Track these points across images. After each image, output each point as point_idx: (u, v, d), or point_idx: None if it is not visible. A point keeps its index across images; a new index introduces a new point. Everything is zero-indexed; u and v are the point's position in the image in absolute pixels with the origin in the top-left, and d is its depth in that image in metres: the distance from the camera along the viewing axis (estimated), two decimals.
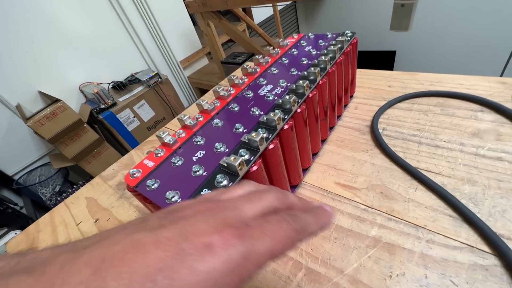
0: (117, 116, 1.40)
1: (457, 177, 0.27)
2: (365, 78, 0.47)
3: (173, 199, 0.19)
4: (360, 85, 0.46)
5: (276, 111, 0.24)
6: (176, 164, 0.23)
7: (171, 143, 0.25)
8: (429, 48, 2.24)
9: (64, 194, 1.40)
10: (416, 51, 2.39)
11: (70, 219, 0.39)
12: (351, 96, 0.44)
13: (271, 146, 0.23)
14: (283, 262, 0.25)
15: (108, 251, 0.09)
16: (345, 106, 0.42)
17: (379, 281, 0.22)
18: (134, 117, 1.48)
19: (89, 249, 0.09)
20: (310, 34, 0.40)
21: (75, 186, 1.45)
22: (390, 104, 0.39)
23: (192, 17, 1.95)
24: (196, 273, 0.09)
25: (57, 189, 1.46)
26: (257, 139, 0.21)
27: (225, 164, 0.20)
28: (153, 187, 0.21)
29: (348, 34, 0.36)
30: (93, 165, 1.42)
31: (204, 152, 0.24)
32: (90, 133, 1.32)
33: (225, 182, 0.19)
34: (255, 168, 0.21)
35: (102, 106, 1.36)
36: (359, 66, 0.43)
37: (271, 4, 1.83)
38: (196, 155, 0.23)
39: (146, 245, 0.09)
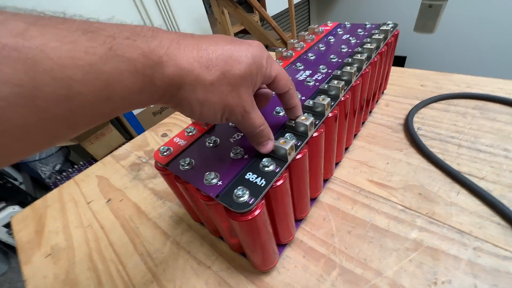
0: None
1: (503, 184, 0.26)
2: (396, 76, 0.45)
3: (213, 181, 0.18)
4: (391, 82, 0.44)
5: (322, 96, 0.22)
6: (212, 145, 0.21)
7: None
8: (445, 53, 2.19)
9: (64, 173, 1.38)
10: (426, 57, 2.35)
11: (80, 197, 0.37)
12: (383, 92, 0.42)
13: (316, 134, 0.21)
14: (315, 258, 0.23)
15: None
16: (376, 102, 0.40)
17: (423, 287, 0.20)
18: None
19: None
20: (346, 22, 0.38)
21: (75, 166, 1.43)
22: (425, 103, 0.37)
23: (205, 5, 1.91)
24: (251, 48, 0.16)
25: (57, 167, 1.44)
26: (307, 123, 0.19)
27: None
28: (187, 167, 0.20)
29: (390, 25, 0.33)
30: (95, 146, 1.40)
31: (241, 134, 0.22)
32: None
33: (272, 167, 0.18)
34: (300, 156, 0.19)
35: None
36: None
37: None
38: (233, 136, 0.22)
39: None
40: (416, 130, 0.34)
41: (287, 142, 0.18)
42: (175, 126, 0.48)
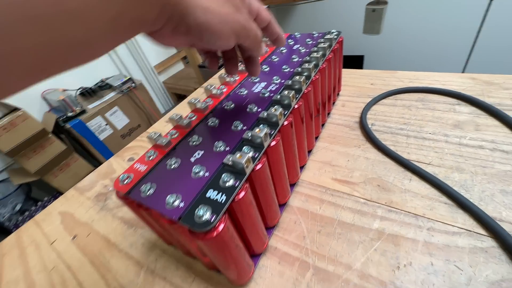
0: (86, 124, 1.30)
1: (446, 166, 0.29)
2: (348, 77, 0.49)
3: (174, 204, 0.18)
4: (345, 83, 0.47)
5: (276, 106, 0.23)
6: (173, 167, 0.21)
7: (164, 144, 0.23)
8: (395, 51, 2.39)
9: (26, 213, 1.26)
10: (383, 55, 2.54)
11: (41, 238, 0.35)
12: (338, 94, 0.44)
13: (273, 143, 0.22)
14: (289, 263, 0.24)
15: None
16: (333, 103, 0.42)
17: (388, 273, 0.22)
18: (106, 124, 1.39)
19: None
20: (296, 33, 0.41)
21: (39, 203, 1.32)
22: (376, 100, 0.40)
23: None
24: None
25: (17, 207, 1.32)
26: (261, 135, 0.20)
27: (229, 163, 0.19)
28: (148, 192, 0.19)
29: (334, 33, 0.36)
30: (60, 178, 1.30)
31: (202, 151, 0.22)
32: (56, 144, 1.21)
33: (231, 182, 0.18)
34: (259, 166, 0.20)
35: (70, 114, 1.26)
36: None
37: None
38: (194, 155, 0.22)
39: None
40: (370, 126, 0.36)
41: (243, 156, 0.18)
42: (141, 149, 0.46)
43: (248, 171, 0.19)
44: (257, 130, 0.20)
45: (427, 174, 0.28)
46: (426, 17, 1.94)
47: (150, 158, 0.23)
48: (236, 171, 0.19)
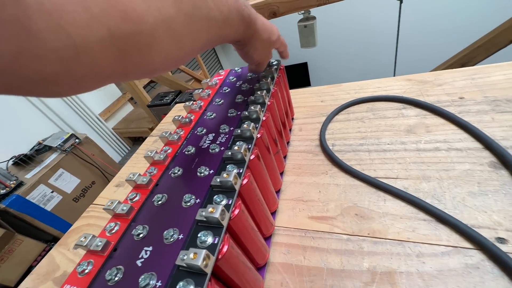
0: (27, 197, 1.12)
1: (413, 177, 0.28)
2: (298, 97, 0.49)
3: None
4: (297, 105, 0.46)
5: (228, 167, 0.20)
6: (115, 280, 0.16)
7: (99, 249, 0.18)
8: (334, 54, 2.60)
9: None
10: (323, 58, 2.75)
11: None
12: (293, 119, 0.44)
13: (236, 212, 0.19)
14: None
15: None
16: (290, 130, 0.41)
17: None
18: (52, 192, 1.22)
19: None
20: (236, 68, 0.39)
21: None
22: (329, 119, 0.40)
23: None
24: (276, 30, 0.31)
25: None
26: (217, 215, 0.17)
27: (184, 260, 0.15)
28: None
29: (274, 63, 0.36)
30: (4, 269, 1.08)
31: (150, 248, 0.18)
32: None
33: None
34: (225, 248, 0.17)
35: (2, 191, 1.08)
36: None
37: None
38: (140, 257, 0.17)
39: None
40: (331, 147, 0.35)
41: (199, 254, 0.15)
42: (90, 228, 0.39)
43: (208, 270, 0.15)
44: (210, 209, 0.17)
45: (398, 191, 0.27)
46: (352, 20, 2.17)
47: (84, 274, 0.18)
48: (194, 270, 0.15)
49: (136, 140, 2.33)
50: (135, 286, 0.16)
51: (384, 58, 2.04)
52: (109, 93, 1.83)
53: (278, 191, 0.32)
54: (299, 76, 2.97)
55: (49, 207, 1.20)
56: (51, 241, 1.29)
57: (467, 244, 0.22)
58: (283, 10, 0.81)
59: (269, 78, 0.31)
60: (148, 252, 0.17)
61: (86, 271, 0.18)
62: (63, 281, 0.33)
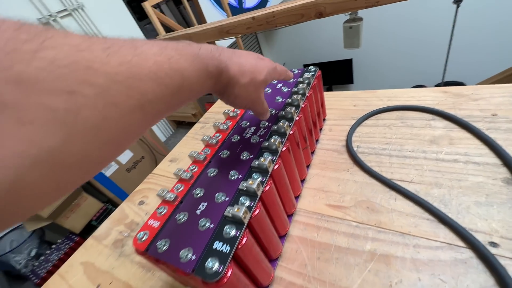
0: None
1: (426, 183, 0.32)
2: (333, 100, 0.53)
3: (187, 257, 0.21)
4: (330, 107, 0.51)
5: (265, 154, 0.27)
6: (182, 221, 0.24)
7: (172, 200, 0.27)
8: (380, 54, 2.47)
9: (42, 257, 1.29)
10: (370, 56, 2.62)
11: None
12: (324, 119, 0.48)
13: (267, 188, 0.25)
14: None
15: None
16: (321, 129, 0.46)
17: None
18: None
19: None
20: None
21: (53, 246, 1.34)
22: (358, 123, 0.44)
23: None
24: (266, 63, 0.27)
25: (33, 253, 1.34)
26: (254, 186, 0.23)
27: (230, 215, 0.22)
28: (164, 248, 0.23)
29: (312, 70, 0.41)
30: (72, 219, 1.33)
31: (206, 203, 0.25)
32: None
33: (233, 232, 0.21)
34: (257, 212, 0.23)
35: None
36: (324, 77, 0.48)
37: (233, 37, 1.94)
38: (199, 208, 0.25)
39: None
40: (355, 148, 0.40)
41: (241, 208, 0.22)
42: (150, 192, 0.50)
43: (246, 220, 0.22)
44: (250, 181, 0.24)
45: (409, 193, 0.31)
46: (403, 21, 2.03)
47: (161, 214, 0.26)
48: (236, 221, 0.22)
49: (179, 124, 2.54)
50: (195, 225, 0.23)
51: (433, 63, 1.88)
52: None
53: (303, 180, 0.38)
54: (342, 72, 2.88)
55: (108, 174, 1.42)
56: (107, 202, 1.53)
57: (460, 243, 0.25)
58: (330, 11, 0.83)
59: (306, 84, 0.37)
60: (204, 206, 0.25)
61: (163, 213, 0.26)
62: (131, 226, 0.44)
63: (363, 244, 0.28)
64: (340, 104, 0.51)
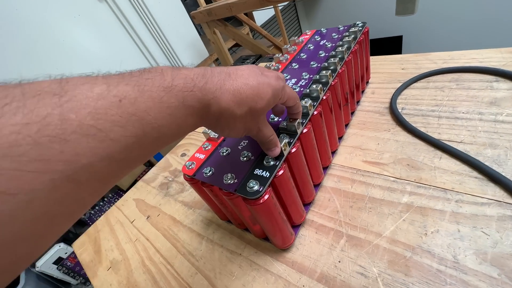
0: None
1: (478, 143, 0.29)
2: (379, 64, 0.50)
3: (230, 181, 0.23)
4: (375, 71, 0.48)
5: (305, 99, 0.27)
6: (225, 153, 0.27)
7: (216, 137, 0.29)
8: (436, 28, 2.19)
9: (96, 207, 1.49)
10: (422, 33, 2.34)
11: (123, 218, 0.44)
12: (367, 82, 0.46)
13: (305, 130, 0.26)
14: (325, 232, 0.28)
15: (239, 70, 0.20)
16: (363, 92, 0.44)
17: (416, 239, 0.24)
18: None
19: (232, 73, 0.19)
20: (322, 29, 0.43)
21: (105, 199, 1.54)
22: (406, 85, 0.41)
23: (196, 27, 2.02)
24: (272, 83, 0.20)
25: None
26: (295, 124, 0.24)
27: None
28: (209, 173, 0.25)
29: (359, 25, 0.38)
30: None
31: (246, 141, 0.27)
32: None
33: (273, 162, 0.23)
34: (294, 150, 0.25)
35: None
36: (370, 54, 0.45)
37: (272, 6, 1.87)
38: (240, 144, 0.27)
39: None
40: (400, 110, 0.38)
41: (281, 141, 0.23)
42: (191, 146, 0.54)
43: (285, 153, 0.23)
44: (290, 120, 0.25)
45: (457, 151, 0.29)
46: None
47: (206, 149, 0.29)
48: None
49: None
50: (237, 157, 0.25)
51: (499, 37, 1.60)
52: (199, 53, 2.08)
53: (340, 138, 0.37)
54: (390, 51, 2.63)
55: None
56: (148, 165, 1.69)
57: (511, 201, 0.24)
58: None
59: (352, 37, 0.35)
60: (245, 143, 0.27)
61: (207, 148, 0.29)
62: (174, 173, 0.48)
63: (399, 197, 0.28)
64: (386, 68, 0.48)
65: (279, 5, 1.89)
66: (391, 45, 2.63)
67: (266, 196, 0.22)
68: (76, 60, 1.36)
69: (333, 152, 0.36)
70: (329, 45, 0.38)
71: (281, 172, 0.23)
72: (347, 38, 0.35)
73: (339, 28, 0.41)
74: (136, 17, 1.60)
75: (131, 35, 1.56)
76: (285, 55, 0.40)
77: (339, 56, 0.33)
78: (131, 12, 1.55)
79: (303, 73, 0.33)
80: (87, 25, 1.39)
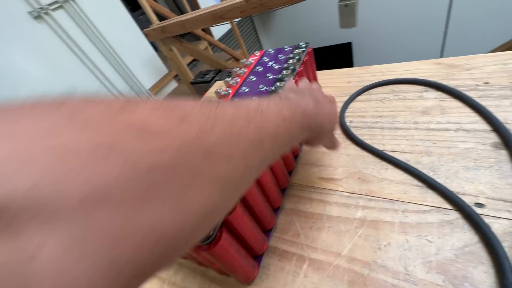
0: None
1: (416, 152, 0.32)
2: (327, 78, 0.52)
3: None
4: (323, 85, 0.50)
5: None
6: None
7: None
8: (380, 34, 2.42)
9: None
10: (369, 38, 2.57)
11: None
12: None
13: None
14: (288, 258, 0.28)
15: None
16: None
17: (371, 254, 0.25)
18: None
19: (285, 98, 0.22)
20: (270, 49, 0.44)
21: None
22: (352, 98, 0.44)
23: (152, 43, 1.96)
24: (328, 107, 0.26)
25: None
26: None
27: None
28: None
29: (303, 46, 0.40)
30: None
31: None
32: None
33: None
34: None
35: None
36: (322, 63, 0.48)
37: (227, 22, 1.90)
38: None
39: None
40: (348, 124, 0.40)
41: None
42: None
43: None
44: None
45: (399, 162, 0.31)
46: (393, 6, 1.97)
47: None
48: None
49: None
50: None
51: (431, 38, 1.84)
52: (157, 70, 2.01)
53: (296, 156, 0.38)
54: (341, 56, 2.83)
55: None
56: None
57: (447, 206, 0.26)
58: None
59: (296, 59, 0.37)
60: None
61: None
62: None
63: (353, 212, 0.29)
64: (333, 82, 0.51)
65: (234, 20, 1.91)
66: (341, 51, 2.83)
67: (220, 239, 0.21)
68: (18, 84, 1.22)
69: (291, 172, 0.36)
70: (276, 67, 0.39)
71: (234, 210, 0.22)
72: (291, 60, 0.36)
73: (284, 48, 0.43)
74: (83, 37, 1.50)
75: (78, 55, 1.45)
76: (235, 78, 0.40)
77: (285, 79, 0.34)
78: (76, 32, 1.45)
79: (253, 98, 0.34)
80: (25, 47, 1.26)
